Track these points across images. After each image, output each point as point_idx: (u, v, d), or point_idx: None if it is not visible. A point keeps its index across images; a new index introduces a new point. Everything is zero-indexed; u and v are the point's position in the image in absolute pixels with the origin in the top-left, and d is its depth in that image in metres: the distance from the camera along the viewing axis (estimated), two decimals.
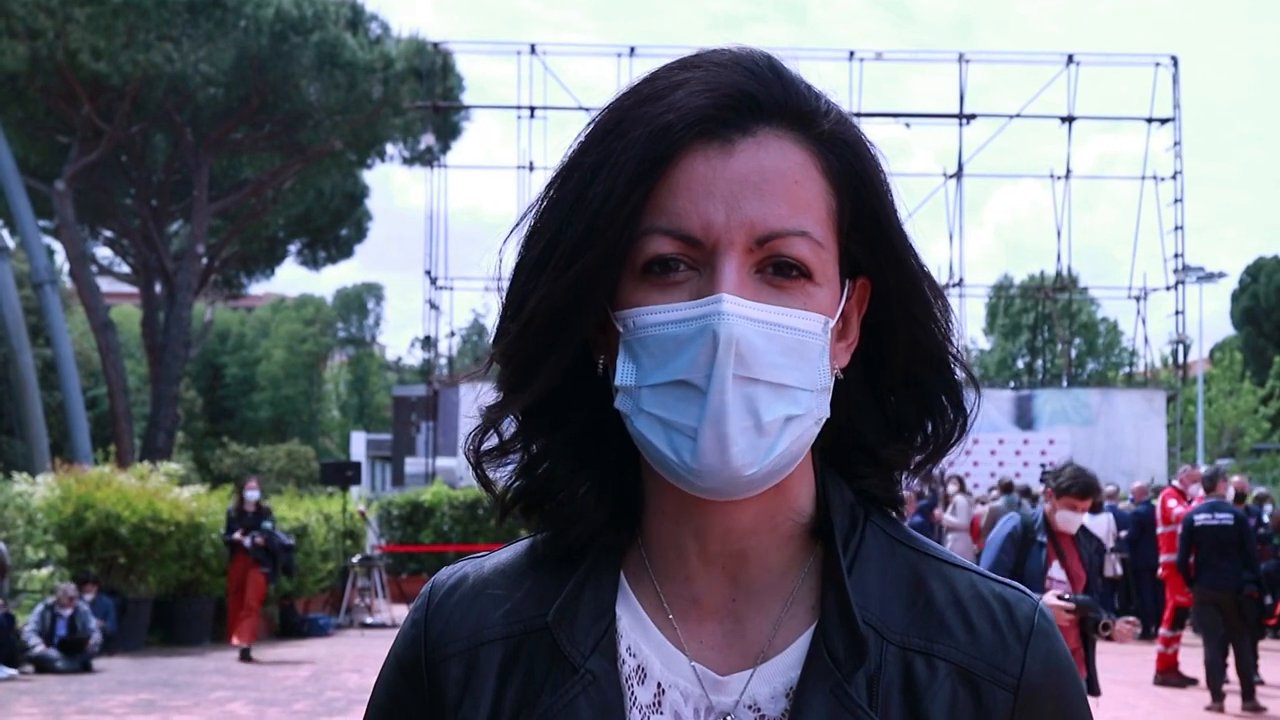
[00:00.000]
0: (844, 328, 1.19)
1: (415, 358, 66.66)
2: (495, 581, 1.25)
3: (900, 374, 1.22)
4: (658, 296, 1.12)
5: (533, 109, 35.03)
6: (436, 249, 35.37)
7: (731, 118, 1.12)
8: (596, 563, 1.21)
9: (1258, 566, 13.15)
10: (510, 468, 1.24)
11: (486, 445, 1.24)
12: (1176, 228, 35.41)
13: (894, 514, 1.25)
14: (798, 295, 1.12)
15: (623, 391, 1.14)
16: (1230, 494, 14.41)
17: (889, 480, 1.24)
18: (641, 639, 1.19)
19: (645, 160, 1.11)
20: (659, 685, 1.17)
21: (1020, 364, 61.93)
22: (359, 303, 75.40)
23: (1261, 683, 14.86)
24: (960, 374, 1.23)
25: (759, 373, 1.09)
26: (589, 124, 1.18)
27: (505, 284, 1.20)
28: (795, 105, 1.15)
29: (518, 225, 1.19)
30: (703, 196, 1.10)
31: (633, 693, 1.17)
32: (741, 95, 1.13)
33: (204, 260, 41.16)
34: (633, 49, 34.42)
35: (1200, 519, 13.33)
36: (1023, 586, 1.23)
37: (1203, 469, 15.92)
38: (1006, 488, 21.93)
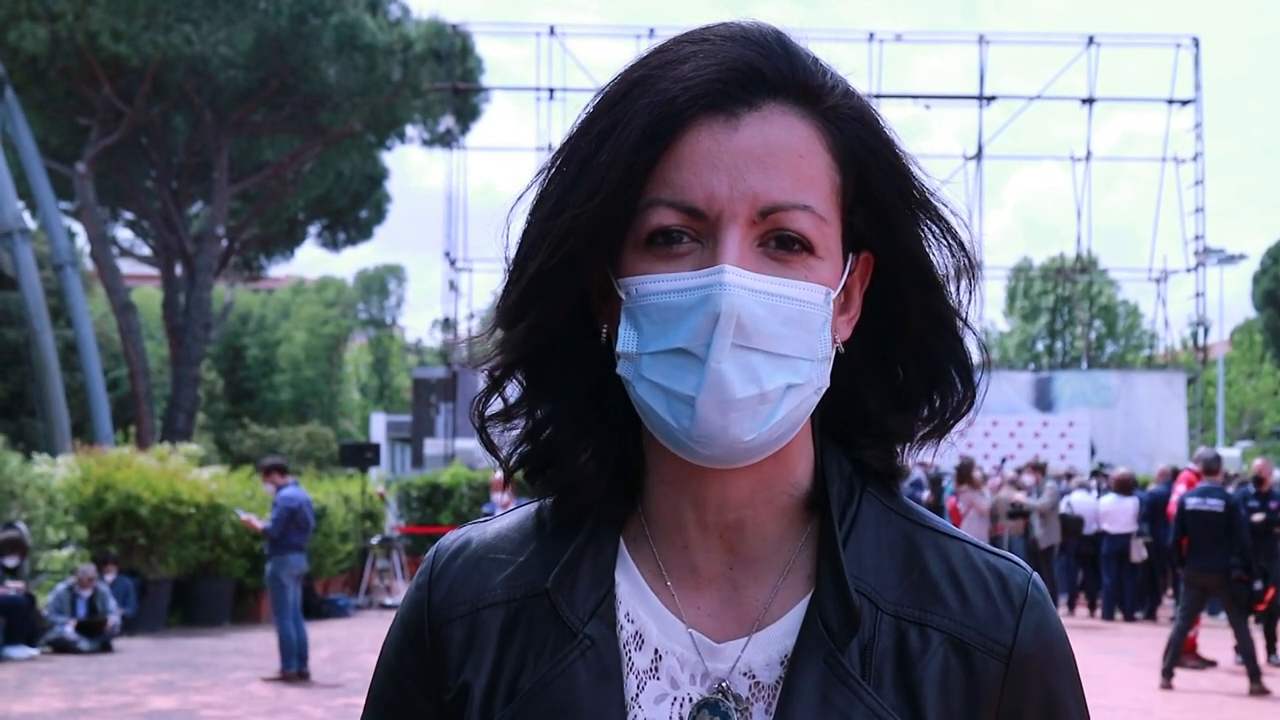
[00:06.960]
0: (846, 301, 1.19)
1: (435, 339, 66.85)
2: (498, 546, 1.27)
3: (911, 345, 1.22)
4: (661, 266, 1.12)
5: (551, 90, 34.96)
6: (456, 231, 35.36)
7: (737, 92, 1.12)
8: (597, 530, 1.22)
9: (1248, 551, 13.21)
10: (515, 433, 1.25)
11: (491, 410, 1.25)
12: (1197, 210, 35.23)
13: (891, 486, 1.25)
14: (799, 268, 1.12)
15: (624, 358, 1.14)
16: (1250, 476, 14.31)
17: (889, 452, 1.24)
18: (639, 605, 1.20)
19: (649, 131, 1.11)
20: (656, 651, 1.19)
21: (1040, 346, 61.67)
22: (380, 284, 75.44)
23: None
24: (973, 350, 1.23)
25: (760, 343, 1.10)
26: (598, 93, 1.18)
27: (512, 249, 1.21)
28: (802, 80, 1.15)
29: (526, 191, 1.20)
30: (707, 169, 1.10)
31: (630, 658, 1.19)
32: (748, 69, 1.13)
33: (224, 242, 41.31)
34: (651, 30, 34.32)
35: (1192, 503, 13.40)
36: (1016, 558, 1.23)
37: (1201, 450, 15.95)
38: (1039, 469, 22.28)
